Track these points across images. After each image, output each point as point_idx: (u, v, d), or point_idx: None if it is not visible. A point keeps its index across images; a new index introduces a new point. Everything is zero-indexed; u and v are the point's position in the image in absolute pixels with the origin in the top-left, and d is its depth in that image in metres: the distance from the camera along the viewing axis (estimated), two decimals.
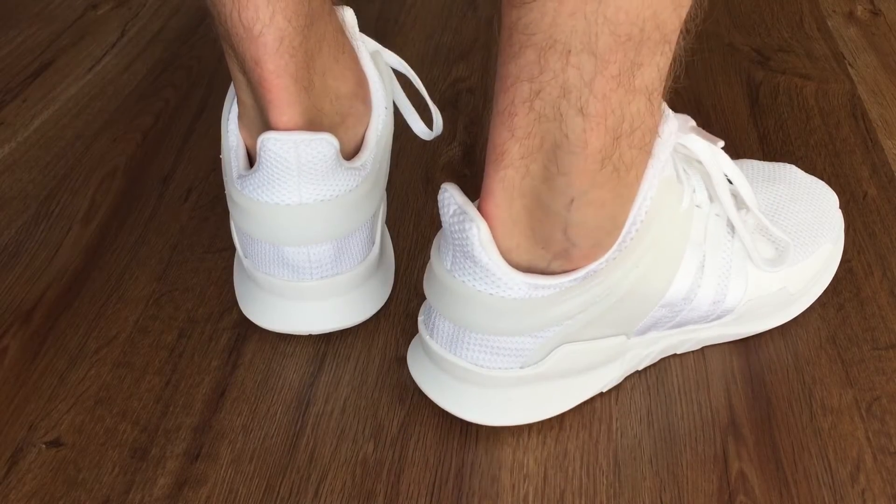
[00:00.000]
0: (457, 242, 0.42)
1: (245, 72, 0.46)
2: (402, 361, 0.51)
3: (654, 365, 0.51)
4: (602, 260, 0.42)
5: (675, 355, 0.51)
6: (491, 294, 0.42)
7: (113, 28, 0.87)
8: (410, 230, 0.61)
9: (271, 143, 0.45)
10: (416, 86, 0.55)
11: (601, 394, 0.49)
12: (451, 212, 0.42)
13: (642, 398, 0.49)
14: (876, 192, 0.63)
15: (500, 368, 0.45)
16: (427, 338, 0.46)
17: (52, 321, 0.54)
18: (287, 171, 0.46)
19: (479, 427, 0.47)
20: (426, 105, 0.56)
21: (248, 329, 0.53)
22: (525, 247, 0.42)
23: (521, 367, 0.45)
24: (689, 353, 0.51)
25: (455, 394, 0.46)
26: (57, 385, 0.50)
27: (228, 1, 0.43)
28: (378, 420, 0.48)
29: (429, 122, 0.56)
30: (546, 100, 0.38)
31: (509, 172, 0.40)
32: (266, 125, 0.47)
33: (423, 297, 0.55)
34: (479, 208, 0.42)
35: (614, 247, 0.42)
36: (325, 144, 0.45)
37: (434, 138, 0.57)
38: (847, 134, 0.69)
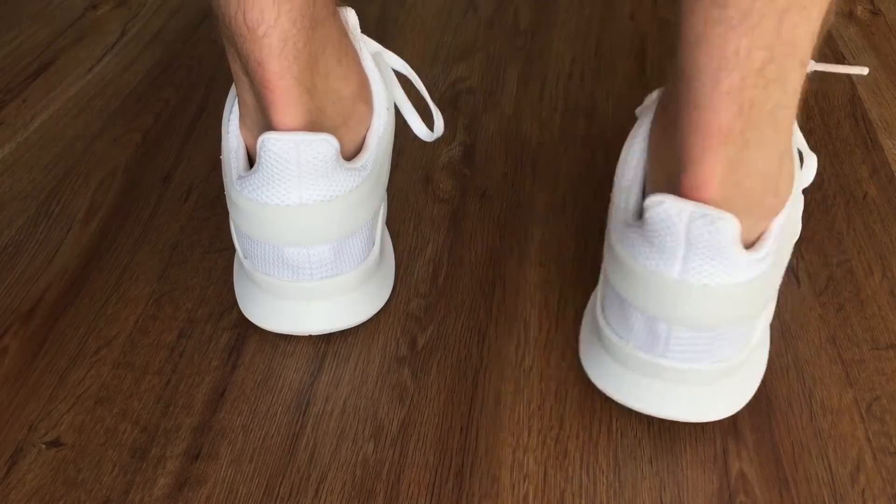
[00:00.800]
0: (702, 245, 0.40)
1: (248, 72, 0.46)
2: (403, 361, 0.51)
3: None
4: (782, 213, 0.43)
5: None
6: (736, 283, 0.41)
7: (113, 28, 0.87)
8: (410, 230, 0.61)
9: (271, 143, 0.45)
10: (417, 87, 0.55)
11: (601, 394, 0.49)
12: (686, 219, 0.39)
13: None
14: (876, 192, 0.63)
15: (722, 361, 0.44)
16: (658, 359, 0.44)
17: (52, 321, 0.54)
18: (287, 172, 0.46)
19: (479, 427, 0.47)
20: (427, 106, 0.56)
21: (248, 329, 0.53)
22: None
23: (745, 347, 0.44)
24: None
25: (680, 397, 0.45)
26: (57, 385, 0.50)
27: (234, 2, 0.43)
28: (378, 420, 0.48)
29: (429, 123, 0.56)
30: (777, 62, 0.37)
31: (730, 151, 0.39)
32: (267, 126, 0.47)
33: (424, 297, 0.55)
34: (692, 198, 0.40)
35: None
36: (325, 145, 0.45)
37: (434, 139, 0.57)
38: (847, 134, 0.69)
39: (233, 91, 0.50)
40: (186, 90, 0.77)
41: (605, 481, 0.45)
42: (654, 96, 0.50)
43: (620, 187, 0.47)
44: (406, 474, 0.45)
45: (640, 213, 0.45)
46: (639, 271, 0.42)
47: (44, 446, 0.47)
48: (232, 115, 0.49)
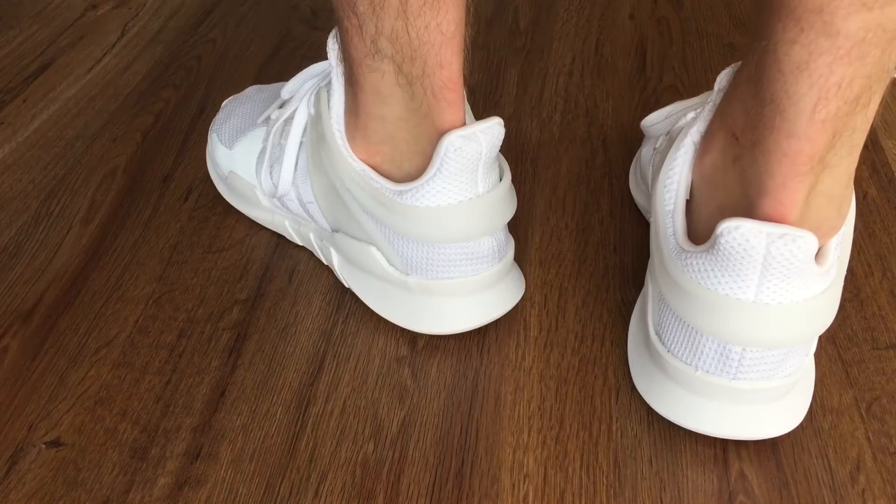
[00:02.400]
0: (779, 265, 0.40)
1: (421, 78, 0.46)
2: (402, 361, 0.51)
3: None
4: (842, 229, 0.43)
5: None
6: (808, 299, 0.42)
7: (113, 28, 0.87)
8: None
9: (458, 140, 0.46)
10: None
11: (601, 394, 0.49)
12: (765, 241, 0.40)
13: (642, 398, 0.49)
14: (876, 192, 0.63)
15: (789, 374, 0.44)
16: (730, 382, 0.44)
17: (52, 321, 0.54)
18: (473, 166, 0.47)
19: (479, 427, 0.47)
20: None
21: (248, 329, 0.53)
22: None
23: (807, 355, 0.45)
24: None
25: (751, 417, 0.45)
26: (57, 385, 0.50)
27: (428, 12, 0.44)
28: (378, 420, 0.48)
29: None
30: (871, 90, 0.38)
31: (812, 176, 0.40)
32: (434, 128, 0.47)
33: None
34: (773, 221, 0.41)
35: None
36: (498, 129, 0.47)
37: None
38: None
39: (336, 109, 0.50)
40: (186, 90, 0.77)
41: (605, 481, 0.45)
42: (689, 117, 0.50)
43: (663, 211, 0.47)
44: (406, 474, 0.45)
45: (688, 235, 0.45)
46: (710, 298, 0.42)
47: (44, 446, 0.47)
48: (340, 135, 0.50)
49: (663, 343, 0.46)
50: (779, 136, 0.39)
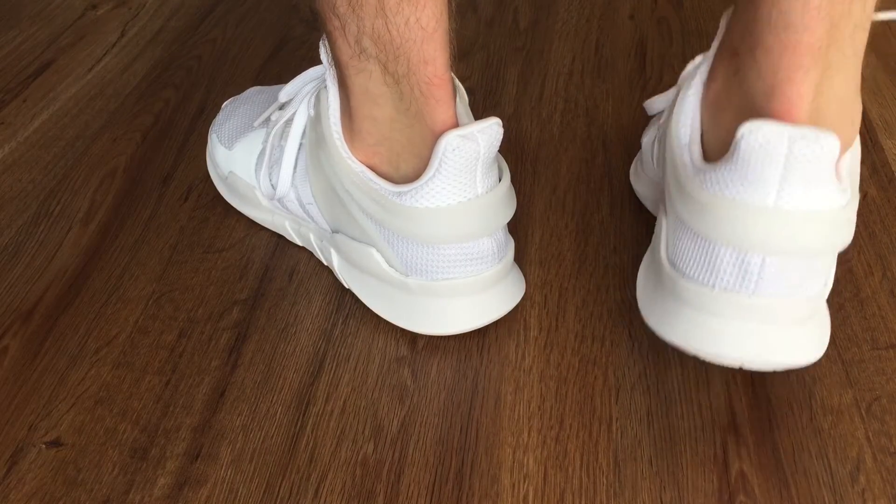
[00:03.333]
0: (800, 168, 0.39)
1: (401, 79, 0.46)
2: (403, 361, 0.51)
3: (654, 365, 0.51)
4: (856, 144, 0.44)
5: (674, 355, 0.51)
6: (830, 209, 0.41)
7: (113, 28, 0.87)
8: None
9: (457, 141, 0.45)
10: None
11: (601, 394, 0.49)
12: (786, 141, 0.38)
13: (642, 398, 0.49)
14: (876, 192, 0.63)
15: (811, 298, 0.43)
16: (749, 298, 0.42)
17: (52, 321, 0.54)
18: (471, 166, 0.47)
19: (479, 427, 0.47)
20: None
21: (248, 329, 0.53)
22: None
23: (825, 285, 0.44)
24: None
25: (773, 339, 0.43)
26: (57, 385, 0.50)
27: (406, 8, 0.43)
28: (378, 420, 0.48)
29: None
30: None
31: (818, 73, 0.40)
32: (417, 133, 0.47)
33: None
34: (778, 116, 0.40)
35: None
36: (497, 129, 0.47)
37: None
38: None
39: (332, 111, 0.50)
40: (186, 90, 0.77)
41: (605, 481, 0.45)
42: (696, 61, 0.50)
43: (679, 145, 0.46)
44: (406, 474, 0.45)
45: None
46: (729, 207, 0.41)
47: (44, 446, 0.47)
48: (338, 136, 0.50)
49: (677, 269, 0.45)
50: (776, 29, 0.40)
